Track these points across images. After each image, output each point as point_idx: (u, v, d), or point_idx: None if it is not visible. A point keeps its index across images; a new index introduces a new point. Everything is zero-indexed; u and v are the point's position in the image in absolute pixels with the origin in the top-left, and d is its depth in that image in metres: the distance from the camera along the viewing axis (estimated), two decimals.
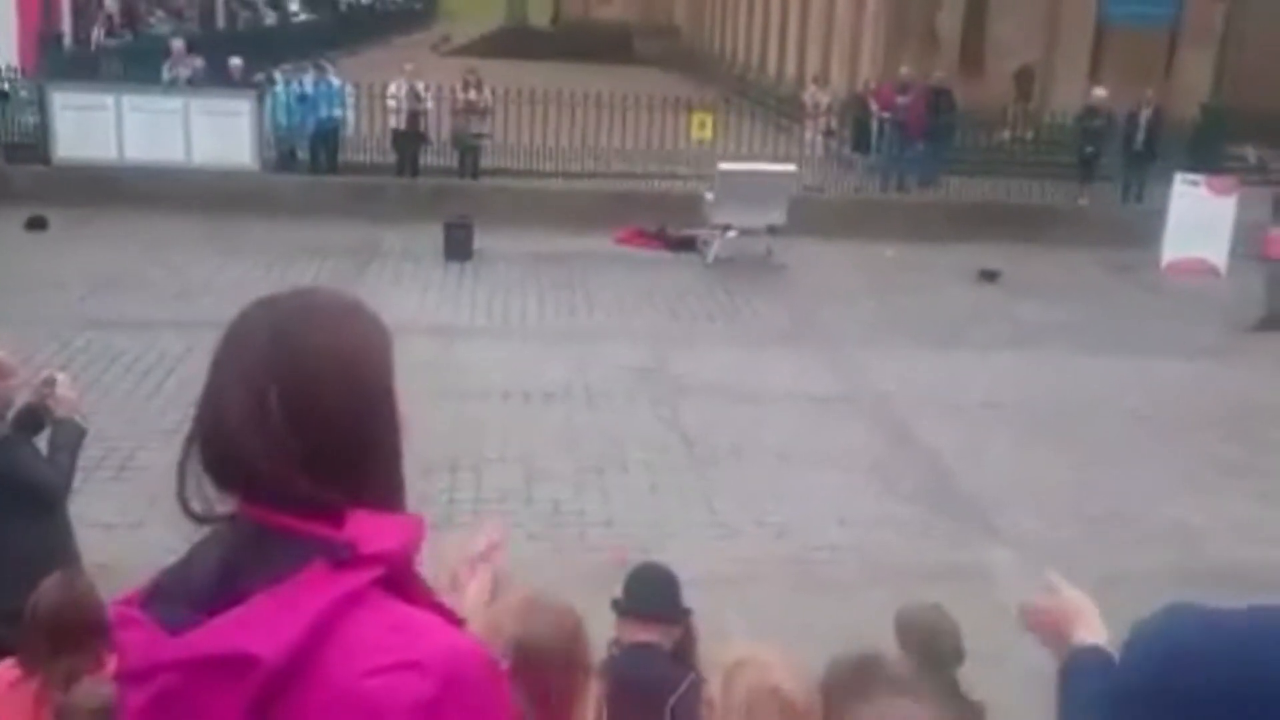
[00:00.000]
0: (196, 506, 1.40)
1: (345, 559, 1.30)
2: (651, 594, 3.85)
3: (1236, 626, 1.32)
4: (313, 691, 1.27)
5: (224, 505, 1.39)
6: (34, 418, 4.91)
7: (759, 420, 9.78)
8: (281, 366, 1.36)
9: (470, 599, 1.67)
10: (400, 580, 1.36)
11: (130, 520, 7.40)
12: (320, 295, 1.48)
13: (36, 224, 14.82)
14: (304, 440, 1.34)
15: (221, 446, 1.37)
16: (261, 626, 1.27)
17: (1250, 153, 15.42)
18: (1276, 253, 13.65)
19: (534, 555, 6.74)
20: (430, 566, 1.50)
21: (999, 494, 8.58)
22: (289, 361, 1.36)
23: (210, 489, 1.39)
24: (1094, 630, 1.89)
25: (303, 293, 1.48)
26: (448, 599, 1.59)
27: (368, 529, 1.33)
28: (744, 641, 2.93)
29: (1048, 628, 1.94)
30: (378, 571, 1.32)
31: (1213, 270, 15.65)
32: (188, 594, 1.35)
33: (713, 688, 2.60)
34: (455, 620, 1.43)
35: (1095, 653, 1.81)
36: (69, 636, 3.50)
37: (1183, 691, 1.29)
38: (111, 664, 3.37)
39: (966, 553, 7.65)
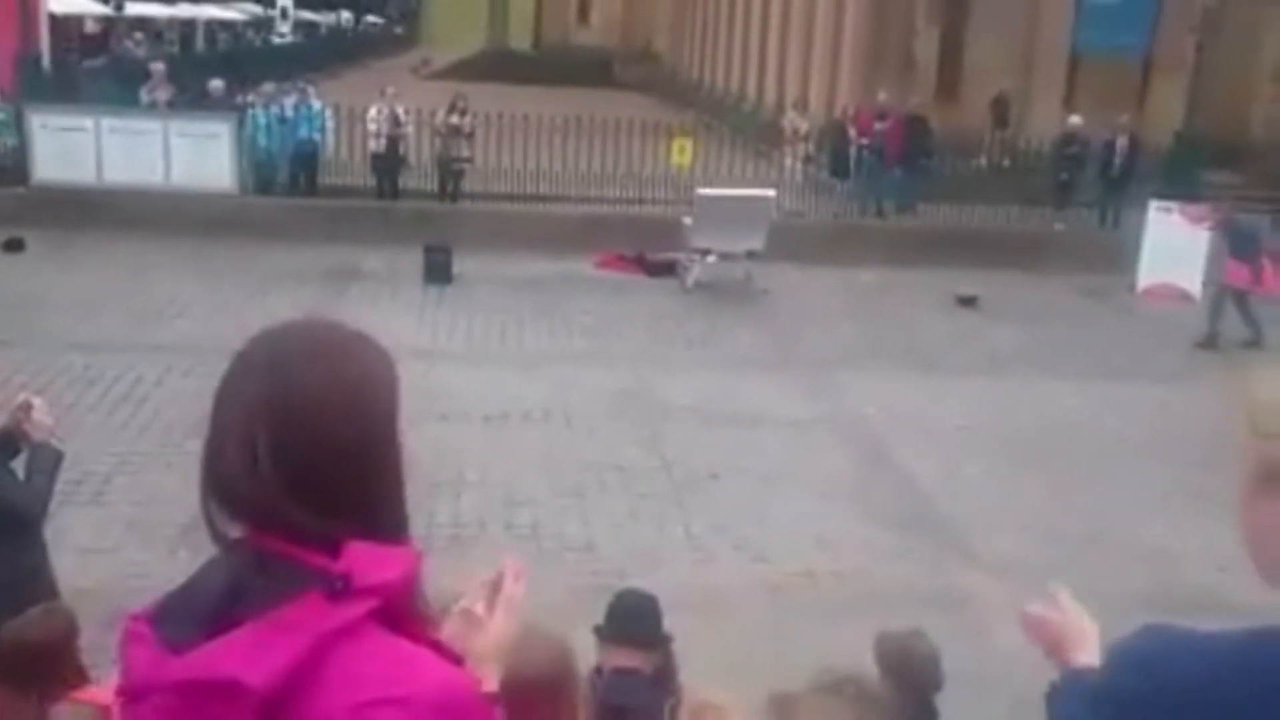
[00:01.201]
0: (229, 532, 1.41)
1: (341, 590, 1.32)
2: (634, 620, 3.85)
3: (1211, 648, 1.34)
4: None
5: (233, 530, 1.41)
6: (9, 442, 4.88)
7: (738, 444, 9.80)
8: (276, 401, 1.37)
9: (494, 637, 1.66)
10: (396, 613, 1.37)
11: (107, 545, 7.36)
12: (323, 328, 1.48)
13: (14, 246, 14.75)
14: (302, 480, 1.35)
15: (220, 477, 1.39)
16: (252, 653, 1.28)
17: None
18: (1234, 280, 13.99)
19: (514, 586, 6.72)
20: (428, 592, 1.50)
21: (976, 517, 8.62)
22: (285, 396, 1.37)
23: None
24: (1090, 653, 1.89)
25: (307, 327, 1.48)
26: (467, 637, 1.61)
27: (365, 560, 1.34)
28: (704, 686, 2.93)
29: (1045, 639, 1.94)
30: (373, 604, 1.33)
31: (1187, 296, 15.81)
32: (192, 615, 1.37)
33: None
34: (450, 656, 1.44)
35: (1088, 675, 1.82)
36: (44, 671, 3.46)
37: (1158, 709, 1.31)
38: (88, 690, 3.36)
39: (944, 577, 7.68)
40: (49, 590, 4.72)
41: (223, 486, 1.39)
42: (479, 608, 1.66)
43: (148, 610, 1.42)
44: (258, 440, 1.35)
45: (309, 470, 1.36)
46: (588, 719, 2.93)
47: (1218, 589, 6.95)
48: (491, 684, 1.61)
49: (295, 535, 1.35)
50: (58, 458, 4.99)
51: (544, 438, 9.84)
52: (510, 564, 1.75)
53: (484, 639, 1.64)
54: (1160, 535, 8.45)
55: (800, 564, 7.81)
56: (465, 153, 17.64)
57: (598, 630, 3.77)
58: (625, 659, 3.72)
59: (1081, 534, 8.43)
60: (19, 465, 4.92)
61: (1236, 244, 14.20)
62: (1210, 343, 13.69)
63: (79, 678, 3.53)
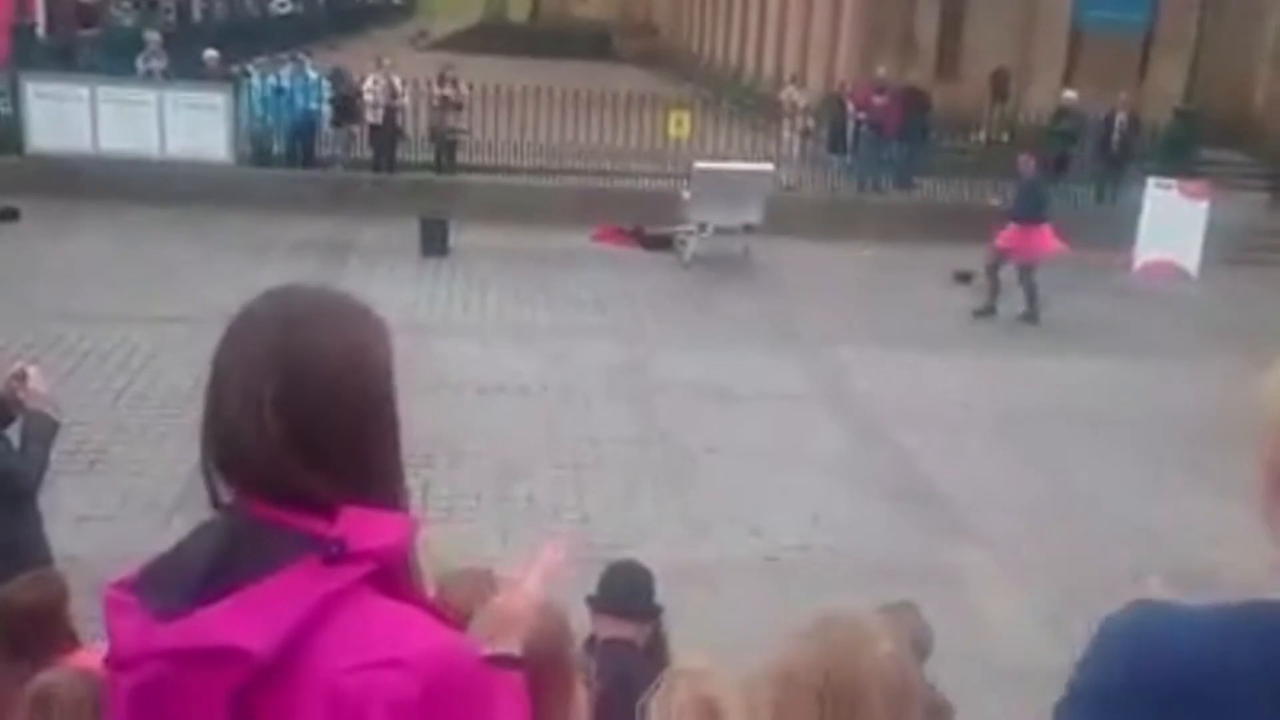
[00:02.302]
0: (225, 498, 1.40)
1: (336, 555, 1.31)
2: (627, 591, 3.86)
3: (1203, 623, 1.33)
4: (297, 686, 1.28)
5: (227, 495, 1.41)
6: (3, 410, 4.88)
7: (734, 418, 9.81)
8: (287, 361, 1.37)
9: (522, 601, 1.68)
10: (392, 577, 1.37)
11: (102, 513, 7.38)
12: (329, 294, 1.48)
13: (8, 215, 14.69)
14: (303, 435, 1.35)
15: (221, 437, 1.38)
16: (251, 620, 1.28)
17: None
18: (1009, 246, 13.44)
19: (508, 551, 6.74)
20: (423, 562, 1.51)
21: (970, 493, 8.65)
22: (295, 356, 1.37)
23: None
24: None
25: (312, 289, 1.48)
26: (495, 602, 1.62)
27: (359, 526, 1.34)
28: (687, 653, 2.93)
29: None
30: (368, 568, 1.33)
31: (1183, 273, 15.81)
32: (179, 582, 1.36)
33: (649, 696, 2.60)
34: (446, 620, 1.44)
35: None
36: (34, 637, 3.46)
37: (1153, 687, 1.29)
38: (79, 656, 3.36)
39: (937, 552, 7.71)
40: (44, 559, 4.73)
41: (223, 443, 1.38)
42: (510, 575, 1.68)
43: (128, 579, 1.41)
44: (263, 394, 1.35)
45: (311, 428, 1.36)
46: (588, 692, 2.93)
47: (1211, 564, 6.99)
48: (513, 648, 1.61)
49: (291, 499, 1.35)
50: (53, 427, 4.98)
51: (540, 410, 9.84)
52: (569, 539, 1.77)
53: (511, 604, 1.65)
54: (1154, 511, 8.48)
55: (795, 538, 7.84)
56: (459, 124, 17.56)
57: (590, 601, 3.78)
58: (617, 629, 3.74)
59: (1075, 509, 8.47)
60: (14, 435, 4.93)
61: (1023, 204, 13.69)
62: (986, 312, 13.52)
63: (70, 643, 3.54)
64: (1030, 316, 13.42)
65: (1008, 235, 13.51)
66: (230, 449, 1.37)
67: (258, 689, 1.28)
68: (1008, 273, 13.54)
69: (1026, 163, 14.02)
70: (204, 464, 1.41)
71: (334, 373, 1.38)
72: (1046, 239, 13.44)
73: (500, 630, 1.62)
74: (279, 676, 1.28)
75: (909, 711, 1.83)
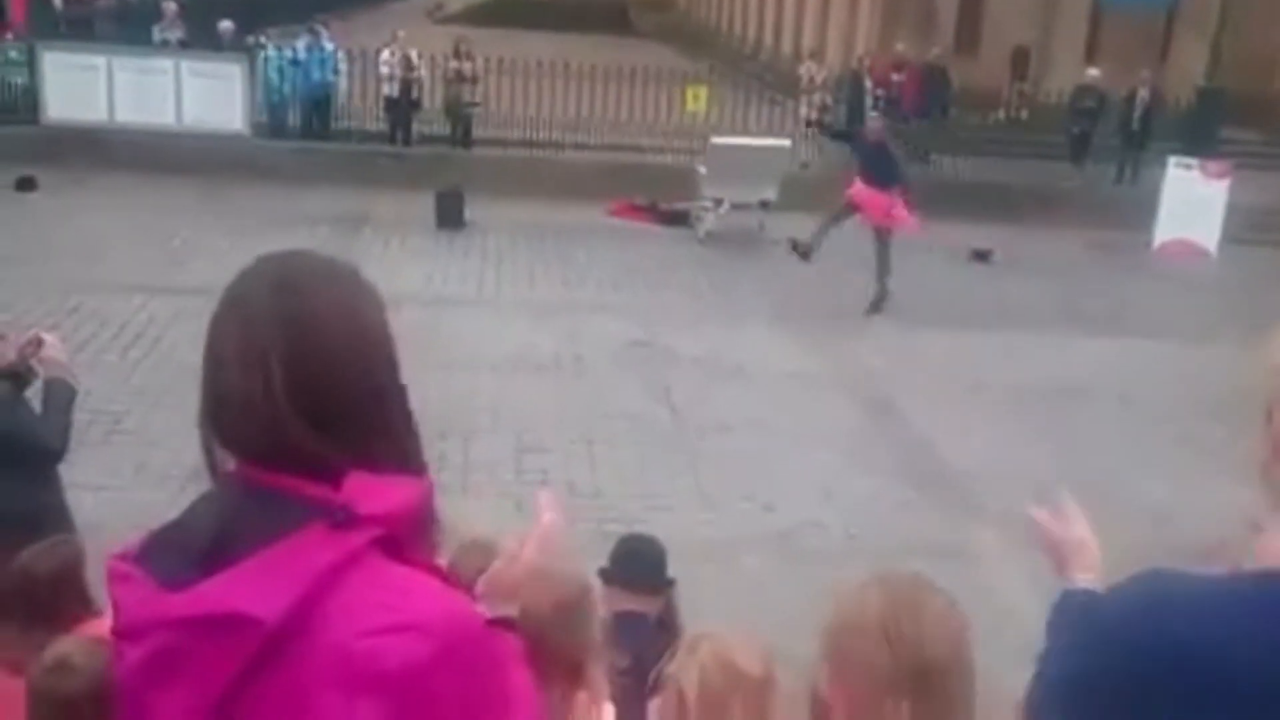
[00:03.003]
0: (228, 467, 1.40)
1: (342, 520, 1.31)
2: (638, 564, 3.87)
3: (1216, 589, 1.29)
4: (308, 652, 1.28)
5: (228, 463, 1.40)
6: (17, 378, 4.88)
7: (748, 395, 9.80)
8: (289, 324, 1.36)
9: (523, 567, 1.68)
10: (400, 542, 1.36)
11: (119, 482, 7.42)
12: (321, 257, 1.49)
13: (26, 185, 14.73)
14: (308, 398, 1.34)
15: (223, 404, 1.37)
16: (260, 587, 1.28)
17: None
18: (863, 204, 12.25)
19: (522, 525, 6.75)
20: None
21: (983, 471, 8.62)
22: (296, 319, 1.37)
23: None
24: (1089, 569, 1.94)
25: (305, 253, 1.48)
26: (496, 569, 1.63)
27: (365, 491, 1.34)
28: (705, 623, 2.94)
29: (1048, 549, 2.02)
30: (375, 533, 1.32)
31: (1203, 253, 15.71)
32: (184, 551, 1.36)
33: (668, 665, 2.60)
34: (454, 584, 1.43)
35: (1084, 599, 1.82)
36: (51, 603, 3.48)
37: (1156, 674, 1.25)
38: (94, 623, 3.38)
39: (949, 529, 7.70)
40: (67, 527, 4.74)
41: (225, 410, 1.37)
42: (512, 543, 1.69)
43: (130, 549, 1.41)
44: (267, 358, 1.34)
45: (316, 389, 1.35)
46: (610, 661, 2.95)
47: (1226, 544, 6.95)
48: (510, 611, 1.61)
49: (295, 465, 1.34)
50: (72, 394, 4.99)
51: (554, 385, 9.84)
52: (546, 497, 1.78)
53: (512, 569, 1.66)
54: (1170, 492, 8.44)
55: (807, 515, 7.83)
56: (475, 98, 17.52)
57: (602, 573, 3.79)
58: (628, 602, 3.74)
59: (1090, 490, 8.37)
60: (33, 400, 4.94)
61: (869, 171, 12.30)
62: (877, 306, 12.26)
63: (86, 611, 3.55)
64: (875, 304, 12.16)
65: (859, 189, 12.27)
66: (233, 415, 1.36)
67: (267, 657, 1.27)
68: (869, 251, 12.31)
69: (874, 126, 12.90)
70: (203, 433, 1.40)
71: (336, 334, 1.38)
72: (899, 210, 12.04)
73: (498, 594, 1.62)
74: (288, 644, 1.27)
75: (968, 660, 1.84)
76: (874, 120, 13.40)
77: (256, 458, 1.36)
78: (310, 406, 1.34)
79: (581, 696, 2.75)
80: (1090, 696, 1.33)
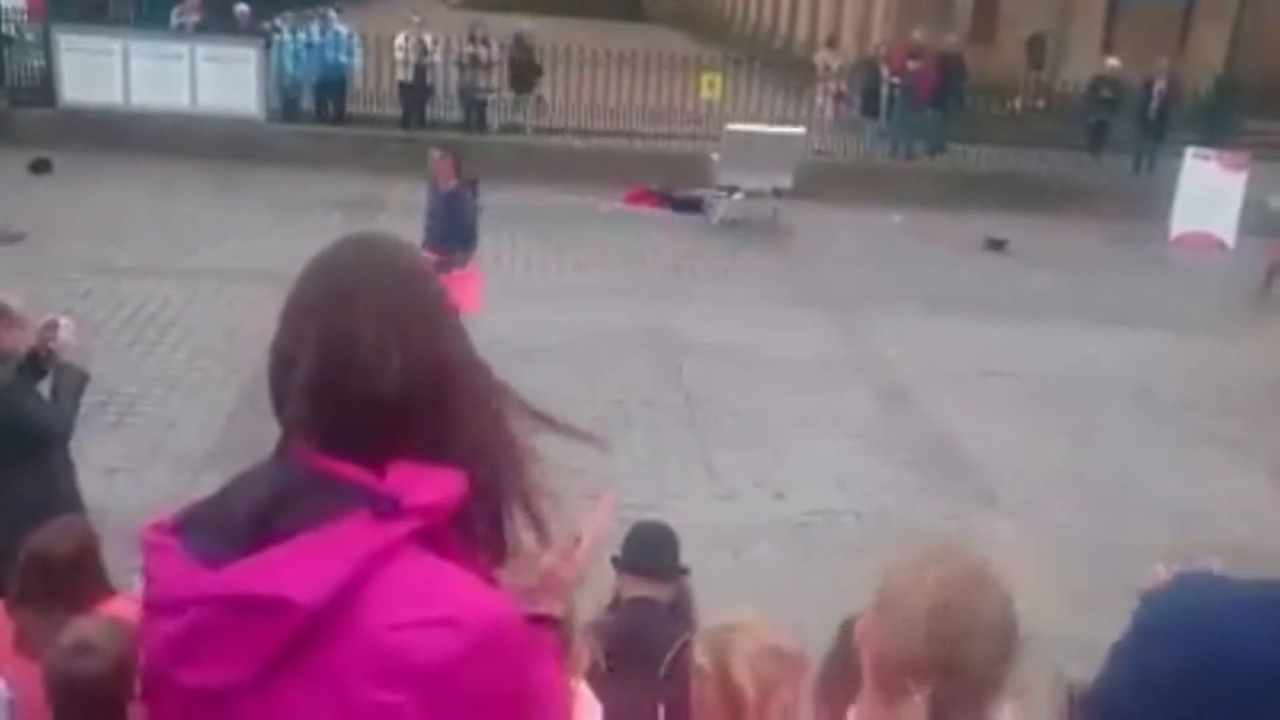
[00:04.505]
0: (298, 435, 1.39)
1: (388, 510, 1.30)
2: (651, 551, 3.86)
3: (1249, 601, 1.22)
4: (344, 640, 1.27)
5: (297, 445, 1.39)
6: (37, 362, 4.91)
7: (761, 382, 9.77)
8: (405, 309, 1.38)
9: (576, 564, 1.68)
10: (440, 535, 1.35)
11: (132, 465, 7.44)
12: (406, 245, 1.52)
13: (41, 167, 14.77)
14: (413, 387, 1.36)
15: (317, 386, 1.35)
16: (301, 571, 1.26)
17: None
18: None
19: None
20: None
21: (998, 462, 8.59)
22: (412, 304, 1.39)
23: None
24: None
25: (389, 239, 1.50)
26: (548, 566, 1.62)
27: (412, 481, 1.33)
28: (722, 611, 2.93)
29: None
30: (418, 524, 1.32)
31: (1220, 244, 15.61)
32: (224, 527, 1.34)
33: (702, 659, 2.59)
34: (492, 580, 1.43)
35: None
36: (69, 583, 3.49)
37: (1215, 683, 1.16)
38: (112, 604, 3.38)
39: (964, 519, 7.67)
40: (77, 510, 4.76)
41: (319, 392, 1.35)
42: (564, 541, 1.68)
43: (169, 521, 1.40)
44: (384, 342, 1.35)
45: (421, 380, 1.37)
46: (604, 647, 2.94)
47: (1244, 540, 6.93)
48: (557, 610, 1.61)
49: (349, 451, 1.34)
50: (83, 378, 5.02)
51: (567, 371, 9.82)
52: (608, 499, 1.77)
53: (566, 567, 1.65)
54: (1186, 485, 8.40)
55: (820, 502, 7.82)
56: (490, 84, 17.50)
57: (615, 560, 3.78)
58: (641, 588, 3.74)
59: (1105, 482, 8.40)
60: (46, 387, 4.96)
61: (438, 225, 9.56)
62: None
63: (103, 591, 3.56)
64: None
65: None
66: (344, 395, 1.35)
67: (305, 644, 1.26)
68: None
69: (444, 166, 9.71)
70: (282, 412, 1.39)
71: (438, 319, 1.43)
72: (467, 285, 8.53)
73: (551, 592, 1.61)
74: (326, 631, 1.26)
75: (1007, 653, 1.81)
76: (442, 160, 9.84)
77: (319, 441, 1.35)
78: (424, 389, 1.36)
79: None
80: (1133, 709, 1.28)
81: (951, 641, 1.74)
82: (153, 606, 1.36)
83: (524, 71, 17.59)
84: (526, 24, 18.27)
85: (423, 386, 1.38)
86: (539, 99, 17.72)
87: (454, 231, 9.47)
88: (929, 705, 1.71)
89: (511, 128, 17.78)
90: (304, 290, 1.40)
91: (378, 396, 1.34)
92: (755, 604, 2.91)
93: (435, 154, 10.09)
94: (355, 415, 1.34)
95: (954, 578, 1.81)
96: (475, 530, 1.42)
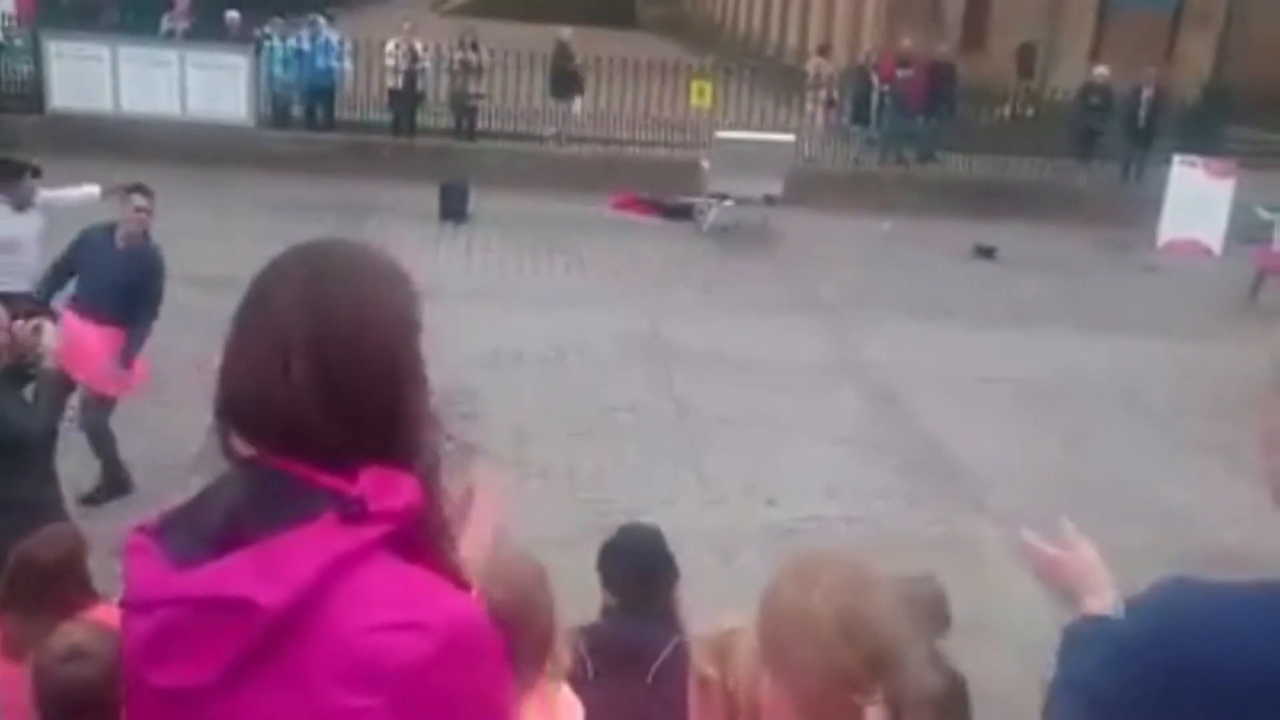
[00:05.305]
0: (242, 451, 1.39)
1: (355, 514, 1.30)
2: (639, 579, 3.81)
3: (1239, 602, 1.22)
4: (311, 642, 1.27)
5: (246, 449, 1.39)
6: (20, 367, 4.89)
7: (750, 389, 9.77)
8: (315, 312, 1.36)
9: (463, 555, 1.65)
10: (410, 539, 1.35)
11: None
12: (357, 247, 1.48)
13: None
14: (329, 387, 1.34)
15: (244, 388, 1.36)
16: (264, 573, 1.27)
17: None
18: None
19: (522, 516, 6.74)
20: None
21: (987, 468, 8.60)
22: (322, 308, 1.36)
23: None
24: (1102, 595, 1.81)
25: (339, 243, 1.47)
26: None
27: (380, 485, 1.33)
28: (721, 614, 2.92)
29: (1054, 577, 1.88)
30: (386, 528, 1.32)
31: (1208, 251, 15.68)
32: (199, 531, 1.35)
33: (705, 665, 2.57)
34: (463, 584, 1.42)
35: (1100, 623, 1.73)
36: (55, 590, 3.47)
37: (1199, 686, 1.17)
38: (98, 610, 3.37)
39: (954, 525, 7.68)
40: (59, 517, 4.75)
41: (245, 395, 1.36)
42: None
43: (151, 523, 1.41)
44: (291, 345, 1.33)
45: (338, 380, 1.34)
46: (589, 650, 2.93)
47: (1233, 544, 6.95)
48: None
49: (312, 455, 1.34)
50: (67, 384, 5.00)
51: (556, 377, 9.83)
52: (486, 474, 1.76)
53: (477, 554, 1.64)
54: (1175, 490, 8.42)
55: (811, 508, 7.82)
56: (480, 89, 17.50)
57: (604, 575, 3.76)
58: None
59: (1094, 487, 8.41)
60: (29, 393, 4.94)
61: (87, 287, 7.73)
62: None
63: (89, 597, 3.55)
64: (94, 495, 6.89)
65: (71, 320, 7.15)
66: (253, 400, 1.35)
67: (271, 646, 1.27)
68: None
69: (134, 224, 7.85)
70: (218, 418, 1.39)
71: (361, 325, 1.37)
72: (129, 370, 7.51)
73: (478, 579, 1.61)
74: (293, 634, 1.27)
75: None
76: (138, 201, 8.01)
77: (274, 445, 1.35)
78: (331, 397, 1.34)
79: (542, 682, 2.75)
80: (1123, 712, 1.27)
81: (873, 634, 1.69)
82: (128, 606, 1.38)
83: (563, 79, 17.54)
84: (565, 32, 18.20)
85: (379, 391, 1.37)
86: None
87: (116, 298, 7.52)
88: (886, 709, 1.69)
89: (502, 134, 17.74)
90: (257, 295, 1.40)
91: (292, 397, 1.33)
92: (745, 610, 2.89)
93: (138, 199, 7.95)
94: (283, 417, 1.34)
95: (836, 581, 1.76)
96: (432, 531, 1.42)
